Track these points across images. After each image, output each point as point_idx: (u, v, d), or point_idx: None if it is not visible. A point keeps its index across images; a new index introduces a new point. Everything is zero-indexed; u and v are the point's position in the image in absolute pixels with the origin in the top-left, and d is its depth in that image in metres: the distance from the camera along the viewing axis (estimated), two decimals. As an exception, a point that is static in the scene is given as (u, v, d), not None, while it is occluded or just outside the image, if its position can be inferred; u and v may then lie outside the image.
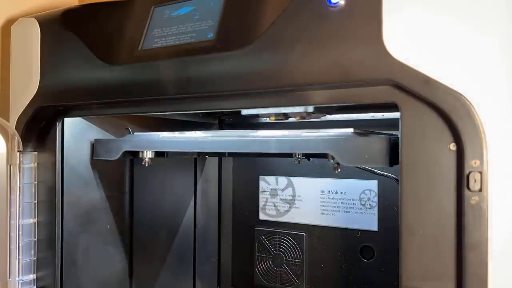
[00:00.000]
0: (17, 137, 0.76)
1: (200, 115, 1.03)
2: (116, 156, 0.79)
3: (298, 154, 0.82)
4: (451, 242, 0.46)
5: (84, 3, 0.80)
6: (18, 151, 0.76)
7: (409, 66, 0.47)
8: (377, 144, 0.57)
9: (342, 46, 0.51)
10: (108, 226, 0.87)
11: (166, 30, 0.65)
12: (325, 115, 0.77)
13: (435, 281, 0.47)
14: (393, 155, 0.55)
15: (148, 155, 0.80)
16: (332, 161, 0.63)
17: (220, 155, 1.08)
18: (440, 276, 0.47)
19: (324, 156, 0.65)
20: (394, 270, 0.87)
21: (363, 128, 0.65)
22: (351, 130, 0.63)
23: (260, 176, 1.07)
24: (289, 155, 0.85)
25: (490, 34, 0.46)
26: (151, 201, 0.96)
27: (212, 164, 1.11)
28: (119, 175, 0.90)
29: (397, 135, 0.51)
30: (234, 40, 0.59)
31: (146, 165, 0.80)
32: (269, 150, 0.66)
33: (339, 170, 0.69)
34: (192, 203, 1.07)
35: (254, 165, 1.07)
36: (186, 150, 0.75)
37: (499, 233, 0.45)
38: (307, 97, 0.56)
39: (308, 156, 0.86)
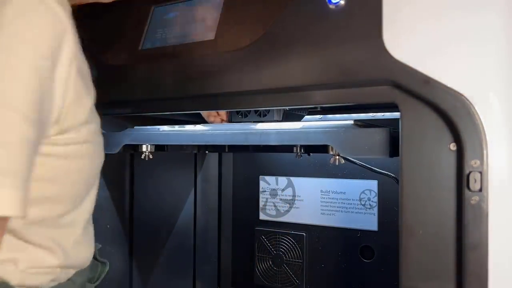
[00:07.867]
0: (17, 137, 0.76)
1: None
2: (116, 150, 0.77)
3: (299, 148, 0.82)
4: (451, 242, 0.46)
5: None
6: (18, 151, 0.76)
7: (409, 66, 0.47)
8: (377, 135, 0.56)
9: (342, 46, 0.51)
10: (108, 226, 0.87)
11: (166, 30, 0.65)
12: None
13: (435, 281, 0.47)
14: (393, 146, 0.55)
15: (148, 149, 0.79)
16: (332, 152, 0.63)
17: (220, 150, 1.07)
18: (440, 276, 0.47)
19: (324, 149, 0.64)
20: (394, 270, 0.87)
21: (364, 121, 0.65)
22: (351, 121, 0.63)
23: (260, 176, 1.07)
24: (290, 150, 0.84)
25: (490, 34, 0.46)
26: (151, 201, 0.96)
27: (212, 164, 1.11)
28: (119, 174, 0.90)
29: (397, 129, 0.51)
30: (234, 40, 0.59)
31: (146, 159, 0.79)
32: (269, 142, 0.66)
33: (340, 162, 0.67)
34: (192, 203, 1.07)
35: (254, 165, 1.07)
36: (186, 143, 0.74)
37: (499, 233, 0.45)
38: (308, 97, 0.56)
39: (308, 150, 0.85)
